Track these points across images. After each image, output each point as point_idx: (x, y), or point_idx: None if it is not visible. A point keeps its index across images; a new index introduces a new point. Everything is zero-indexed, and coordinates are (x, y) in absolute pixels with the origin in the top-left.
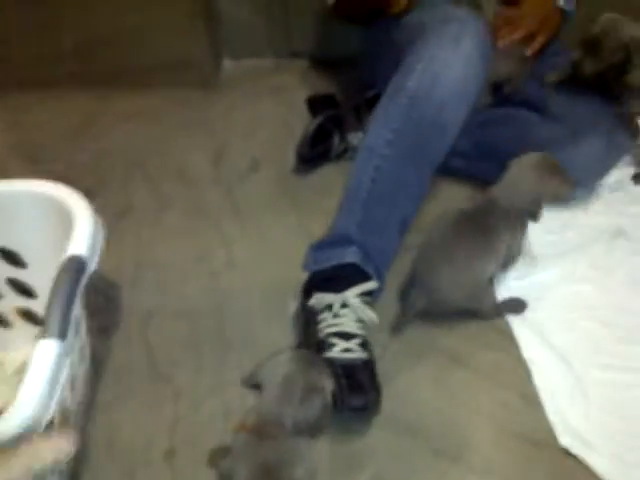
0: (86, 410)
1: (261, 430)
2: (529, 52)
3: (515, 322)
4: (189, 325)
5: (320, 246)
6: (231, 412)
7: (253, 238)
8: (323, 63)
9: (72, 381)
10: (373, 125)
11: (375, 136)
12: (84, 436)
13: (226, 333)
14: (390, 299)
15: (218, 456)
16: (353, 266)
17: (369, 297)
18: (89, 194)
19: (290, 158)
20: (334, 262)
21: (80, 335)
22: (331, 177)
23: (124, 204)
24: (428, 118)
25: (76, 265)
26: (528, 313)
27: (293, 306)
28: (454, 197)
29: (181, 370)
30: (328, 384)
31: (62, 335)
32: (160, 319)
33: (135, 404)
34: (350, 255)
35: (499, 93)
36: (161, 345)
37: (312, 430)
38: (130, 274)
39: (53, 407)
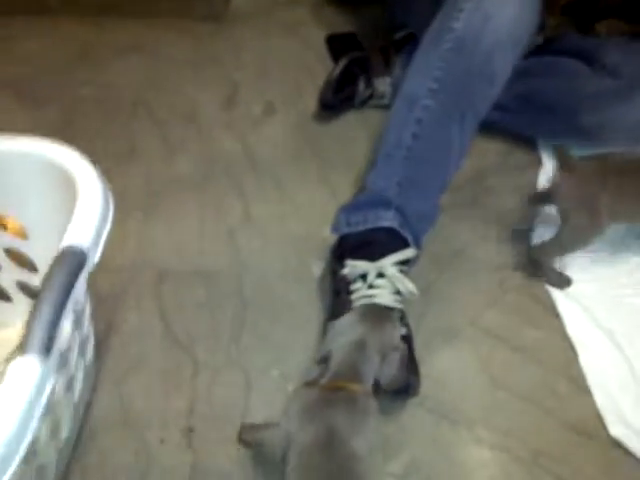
0: (93, 384)
1: (339, 387)
2: None
3: (559, 296)
4: (205, 286)
5: (354, 206)
6: (252, 383)
7: (270, 192)
8: None
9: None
10: (412, 72)
11: (416, 85)
12: (91, 410)
13: (244, 294)
14: (423, 267)
15: (248, 431)
16: (390, 231)
17: (406, 266)
18: (93, 136)
19: (308, 102)
20: (369, 225)
21: (82, 327)
22: (355, 126)
23: (129, 147)
24: (476, 65)
25: (72, 259)
26: (574, 289)
27: (318, 268)
28: (486, 154)
29: (197, 336)
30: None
31: (45, 351)
32: (174, 280)
33: (149, 374)
34: (388, 219)
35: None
36: (175, 308)
37: (395, 387)
38: (137, 228)
39: (28, 440)
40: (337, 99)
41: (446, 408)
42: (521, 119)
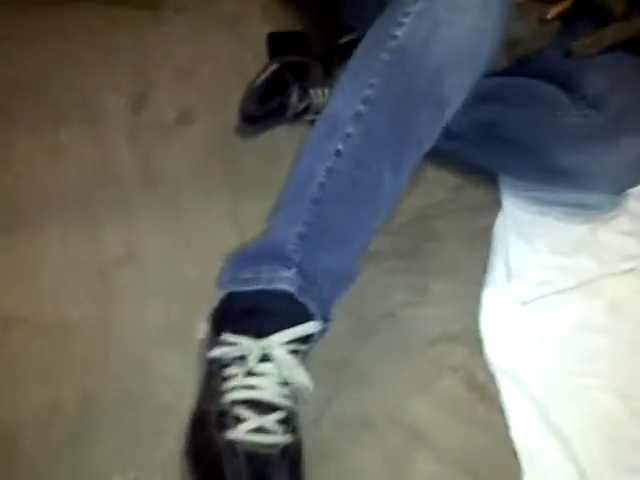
0: None
1: None
2: (552, 13)
3: (505, 384)
4: (52, 344)
5: (246, 257)
6: None
7: (163, 221)
8: None
9: None
10: (339, 88)
11: (340, 105)
12: None
13: (100, 359)
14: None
15: None
16: (286, 296)
17: (306, 345)
18: None
19: (235, 112)
20: (261, 286)
21: None
22: (284, 144)
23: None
24: (421, 85)
25: None
26: (518, 367)
27: (204, 330)
28: (434, 189)
29: None
30: None
31: None
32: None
33: None
34: (285, 280)
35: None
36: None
37: None
38: None
39: None
40: (262, 111)
41: None
42: (480, 152)
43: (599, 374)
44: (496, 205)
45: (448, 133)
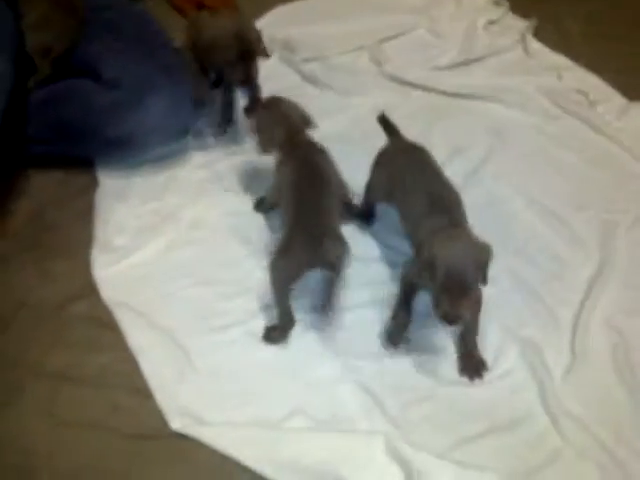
0: None
1: None
2: None
3: (120, 311)
4: None
5: None
6: None
7: None
8: None
9: None
10: None
11: None
12: None
13: None
14: None
15: None
16: None
17: None
18: None
19: None
20: None
21: None
22: None
23: None
24: None
25: None
26: (131, 297)
27: None
28: (44, 187)
29: None
30: None
31: None
32: None
33: None
34: None
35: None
36: None
37: None
38: None
39: None
40: None
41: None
42: (67, 147)
43: (188, 275)
44: (96, 183)
45: (33, 139)
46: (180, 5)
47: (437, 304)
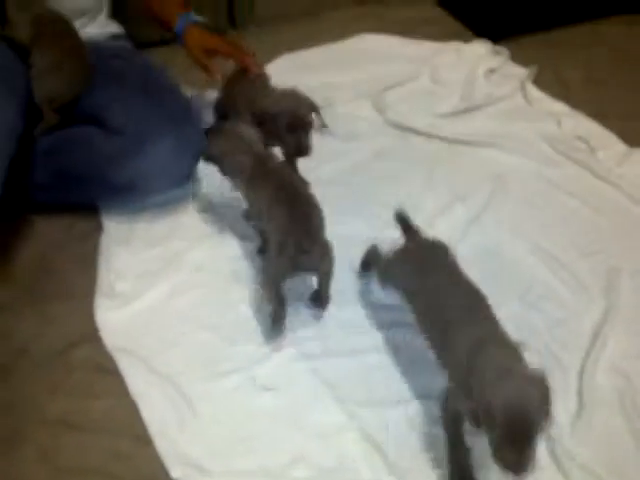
0: None
1: None
2: None
3: (121, 357)
4: None
5: None
6: None
7: None
8: None
9: None
10: None
11: None
12: None
13: None
14: None
15: None
16: None
17: None
18: None
19: None
20: None
21: None
22: None
23: None
24: None
25: None
26: (133, 343)
27: None
28: (48, 233)
29: None
30: None
31: None
32: None
33: None
34: None
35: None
36: None
37: None
38: None
39: None
40: None
41: None
42: (69, 195)
43: (190, 320)
44: (100, 229)
45: (38, 186)
46: (195, 55)
47: (499, 454)
